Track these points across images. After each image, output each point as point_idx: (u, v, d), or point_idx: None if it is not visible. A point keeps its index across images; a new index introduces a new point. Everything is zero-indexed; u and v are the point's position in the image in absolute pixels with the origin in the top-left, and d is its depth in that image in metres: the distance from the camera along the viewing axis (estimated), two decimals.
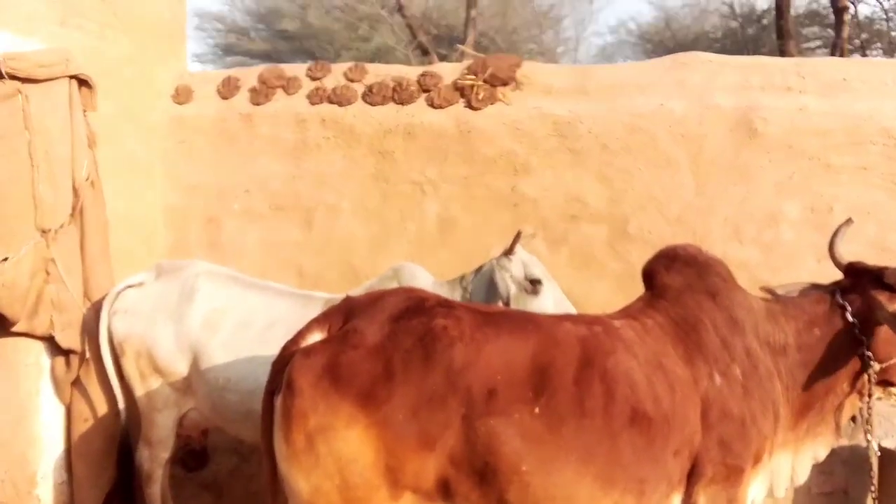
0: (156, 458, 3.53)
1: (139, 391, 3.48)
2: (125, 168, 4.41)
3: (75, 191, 3.64)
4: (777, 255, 4.32)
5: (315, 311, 3.35)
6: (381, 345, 2.24)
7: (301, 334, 2.39)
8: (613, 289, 4.40)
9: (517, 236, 3.54)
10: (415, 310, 2.35)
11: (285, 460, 2.23)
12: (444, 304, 2.42)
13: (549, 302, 3.45)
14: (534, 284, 3.45)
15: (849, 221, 2.97)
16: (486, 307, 2.73)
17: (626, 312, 2.72)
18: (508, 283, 3.46)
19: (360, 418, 2.16)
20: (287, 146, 4.70)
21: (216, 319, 3.36)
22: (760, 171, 4.30)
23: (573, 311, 3.36)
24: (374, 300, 2.43)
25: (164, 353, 3.40)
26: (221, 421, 3.40)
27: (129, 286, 3.55)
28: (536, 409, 2.24)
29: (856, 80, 4.29)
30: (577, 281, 4.44)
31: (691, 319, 2.59)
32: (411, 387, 2.19)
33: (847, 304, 2.70)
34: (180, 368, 3.40)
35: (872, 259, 3.00)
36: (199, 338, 3.35)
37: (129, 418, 3.59)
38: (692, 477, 2.46)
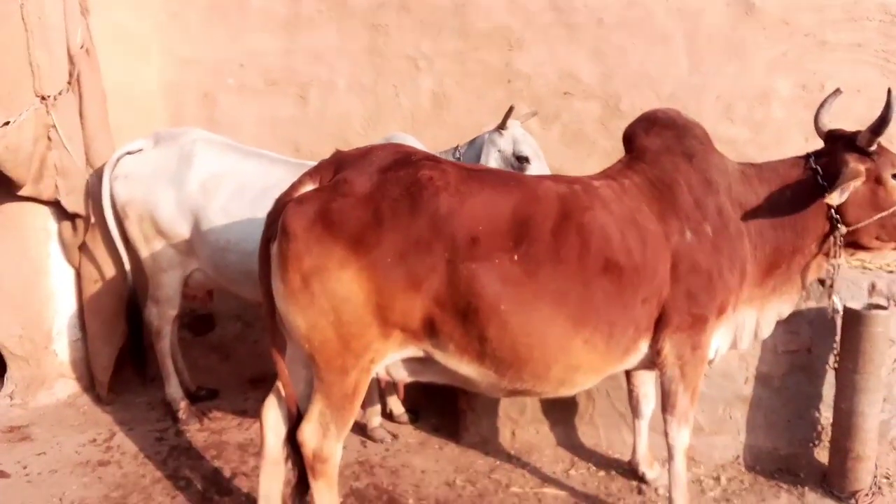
0: (164, 315, 3.74)
1: (144, 253, 3.66)
2: (118, 41, 4.40)
3: (70, 58, 3.68)
4: (766, 133, 4.38)
5: (281, 171, 3.50)
6: (371, 193, 2.36)
7: (294, 186, 2.51)
8: (604, 165, 4.42)
9: (509, 111, 3.60)
10: (402, 162, 2.46)
11: (283, 300, 2.40)
12: (431, 158, 2.53)
13: None
14: (520, 161, 3.54)
15: (836, 92, 3.01)
16: (471, 165, 2.83)
17: (606, 174, 2.83)
18: (491, 157, 3.55)
19: (351, 261, 2.31)
20: (280, 20, 4.67)
21: (214, 184, 3.48)
22: (755, 47, 4.30)
23: None
24: (363, 153, 2.53)
25: (166, 217, 3.54)
26: (224, 280, 3.58)
27: (129, 152, 3.65)
28: (515, 256, 2.39)
29: None
30: (567, 157, 4.54)
31: (667, 180, 2.71)
32: (399, 232, 2.33)
33: (819, 168, 2.79)
34: (182, 231, 3.55)
35: None
36: (199, 202, 3.48)
37: (135, 279, 3.78)
38: (659, 324, 2.65)
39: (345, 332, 2.37)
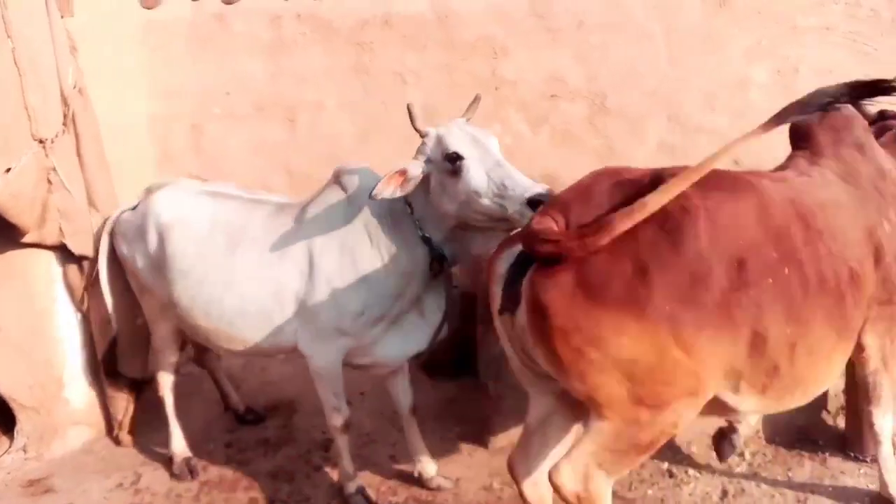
0: (161, 362, 3.70)
1: (142, 303, 3.64)
2: (103, 78, 4.31)
3: (64, 99, 3.63)
4: (747, 119, 4.46)
5: (260, 214, 3.24)
6: (622, 241, 2.08)
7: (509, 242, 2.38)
8: (594, 164, 4.41)
9: (409, 111, 2.95)
10: (632, 195, 2.15)
11: (552, 368, 2.20)
12: (653, 176, 2.23)
13: (478, 176, 2.78)
14: (452, 162, 2.81)
15: None
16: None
17: (799, 171, 2.64)
18: (427, 170, 2.93)
19: (628, 322, 2.06)
20: (264, 44, 4.66)
21: (165, 234, 3.31)
22: (731, 38, 4.45)
23: (517, 176, 2.76)
24: (581, 192, 2.28)
25: (141, 272, 3.46)
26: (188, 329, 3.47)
27: (131, 208, 3.56)
28: (785, 270, 2.20)
29: None
30: (558, 159, 4.62)
31: (853, 173, 2.63)
32: (667, 276, 2.07)
33: None
34: (156, 285, 3.43)
35: None
36: (157, 255, 3.35)
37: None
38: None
39: (637, 390, 2.10)
